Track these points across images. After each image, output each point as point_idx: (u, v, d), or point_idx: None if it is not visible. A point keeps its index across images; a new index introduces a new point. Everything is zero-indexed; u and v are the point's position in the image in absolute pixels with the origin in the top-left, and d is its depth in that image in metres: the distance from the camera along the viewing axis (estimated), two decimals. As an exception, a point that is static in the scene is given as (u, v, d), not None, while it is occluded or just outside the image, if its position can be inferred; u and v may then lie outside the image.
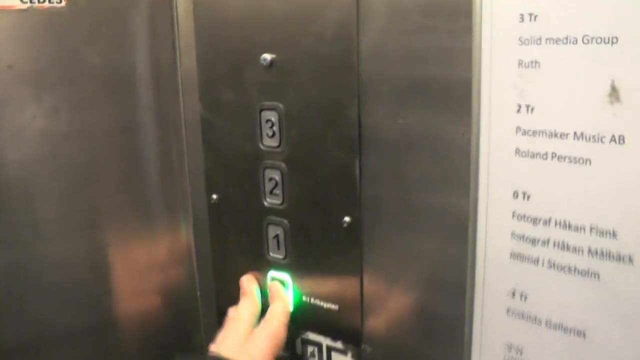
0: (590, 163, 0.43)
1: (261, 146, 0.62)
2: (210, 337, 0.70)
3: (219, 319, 0.72)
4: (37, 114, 0.61)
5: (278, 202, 0.63)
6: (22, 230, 0.62)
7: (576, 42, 0.42)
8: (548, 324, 0.47)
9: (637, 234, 0.42)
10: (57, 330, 0.66)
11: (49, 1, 0.59)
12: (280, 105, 0.60)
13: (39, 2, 0.58)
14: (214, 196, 0.68)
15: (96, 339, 0.69)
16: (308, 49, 0.57)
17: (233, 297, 0.69)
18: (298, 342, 0.67)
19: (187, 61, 0.68)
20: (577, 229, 0.44)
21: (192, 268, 0.74)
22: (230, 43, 0.62)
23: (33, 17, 0.59)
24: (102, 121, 0.65)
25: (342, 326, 0.62)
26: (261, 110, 0.61)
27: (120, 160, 0.67)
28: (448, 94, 0.51)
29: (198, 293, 0.75)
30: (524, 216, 0.47)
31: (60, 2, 0.60)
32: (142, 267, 0.71)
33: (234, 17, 0.61)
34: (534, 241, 0.47)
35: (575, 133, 0.43)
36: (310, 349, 0.66)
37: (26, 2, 0.58)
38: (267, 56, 0.59)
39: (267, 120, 0.61)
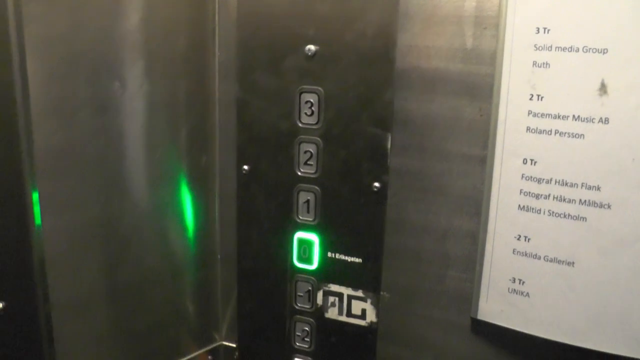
0: (583, 137, 0.60)
1: (299, 123, 0.73)
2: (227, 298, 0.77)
3: (239, 280, 0.81)
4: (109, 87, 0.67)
5: (312, 171, 0.74)
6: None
7: (578, 50, 0.58)
8: (546, 258, 0.64)
9: (615, 187, 0.59)
10: (102, 288, 0.71)
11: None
12: (320, 89, 0.71)
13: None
14: (245, 167, 0.77)
15: (129, 299, 0.75)
16: (350, 43, 0.68)
17: (254, 258, 0.79)
18: (319, 294, 0.78)
19: (224, 48, 0.76)
20: (571, 185, 0.61)
21: (215, 233, 0.82)
22: (273, 34, 0.71)
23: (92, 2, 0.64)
24: (157, 96, 0.72)
25: (364, 276, 0.74)
26: (301, 92, 0.72)
27: (165, 132, 0.74)
28: (468, 83, 0.65)
29: (219, 256, 0.82)
30: (531, 177, 0.63)
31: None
32: (170, 230, 0.78)
33: (278, 12, 0.70)
34: (537, 196, 0.63)
35: (573, 115, 0.60)
36: (331, 299, 0.77)
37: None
38: (312, 47, 0.69)
39: (307, 102, 0.72)
